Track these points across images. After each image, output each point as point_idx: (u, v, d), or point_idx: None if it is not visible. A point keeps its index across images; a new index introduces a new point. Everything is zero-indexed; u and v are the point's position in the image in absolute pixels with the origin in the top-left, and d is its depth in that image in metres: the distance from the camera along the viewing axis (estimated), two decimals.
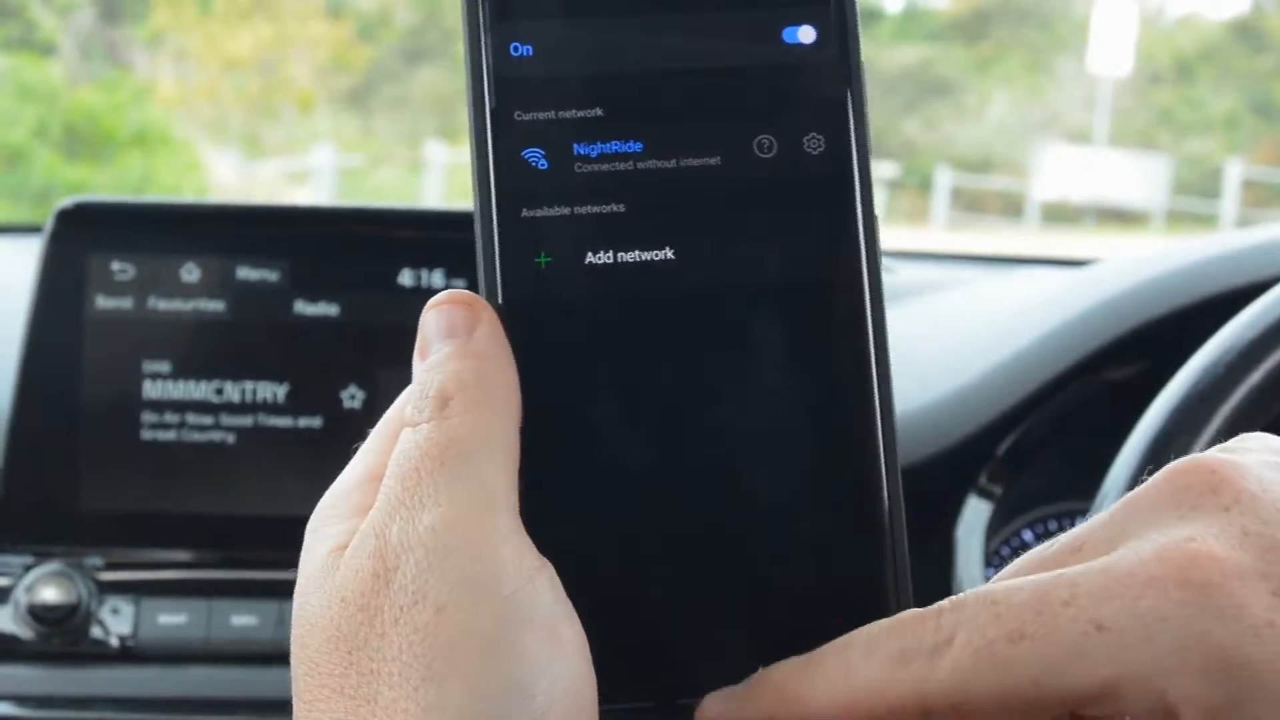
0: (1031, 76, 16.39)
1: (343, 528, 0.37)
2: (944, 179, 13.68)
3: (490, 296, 0.38)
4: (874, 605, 0.37)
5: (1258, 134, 15.32)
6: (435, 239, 0.93)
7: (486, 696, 0.33)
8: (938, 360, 1.02)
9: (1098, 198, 13.69)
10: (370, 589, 0.35)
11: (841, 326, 0.38)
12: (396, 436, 0.38)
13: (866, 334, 0.38)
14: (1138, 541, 0.33)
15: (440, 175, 10.84)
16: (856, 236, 0.38)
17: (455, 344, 0.38)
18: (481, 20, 0.39)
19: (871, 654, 0.34)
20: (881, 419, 0.38)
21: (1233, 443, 0.37)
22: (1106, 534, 0.35)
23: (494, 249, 0.38)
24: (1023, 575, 0.35)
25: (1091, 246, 8.73)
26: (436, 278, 0.92)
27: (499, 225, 0.38)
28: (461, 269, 0.92)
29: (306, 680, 0.36)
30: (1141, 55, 15.78)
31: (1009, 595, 0.33)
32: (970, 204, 14.43)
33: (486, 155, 0.38)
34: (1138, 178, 13.87)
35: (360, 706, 0.34)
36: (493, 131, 0.38)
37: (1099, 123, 15.14)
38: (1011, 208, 14.19)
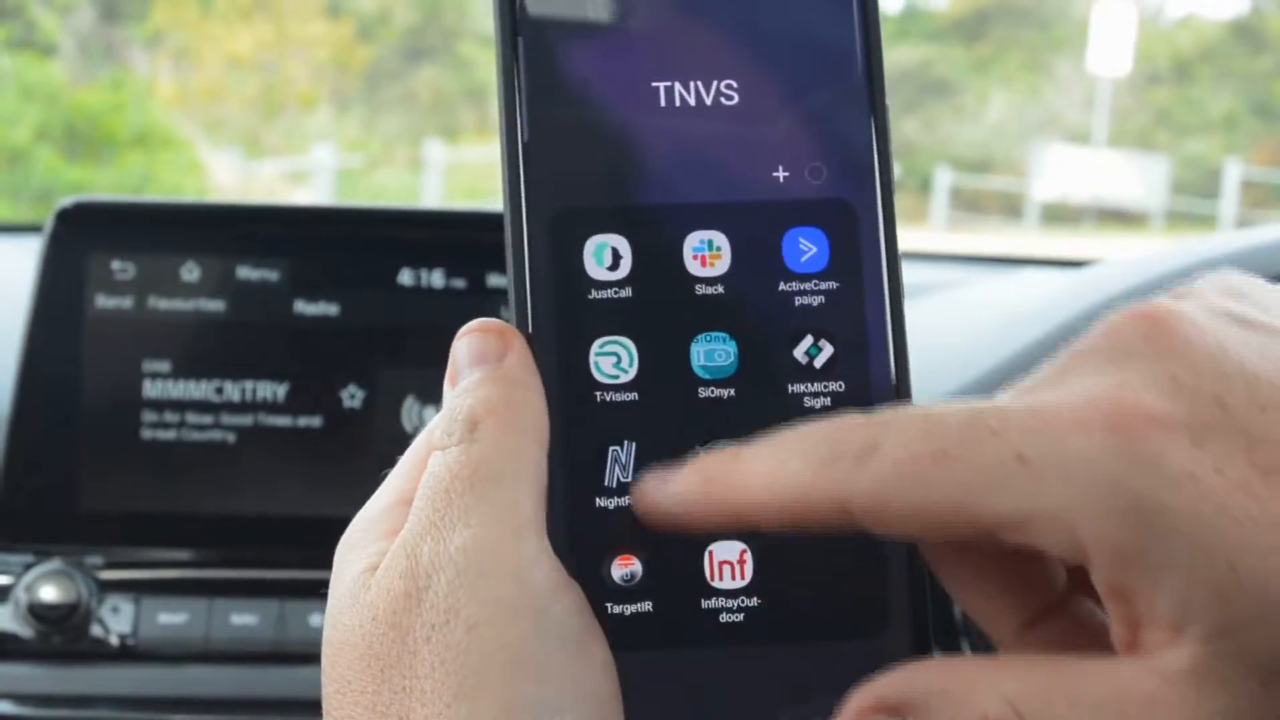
0: (1030, 77, 16.39)
1: (374, 549, 0.38)
2: (943, 179, 13.68)
3: (520, 325, 0.39)
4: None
5: (1257, 134, 15.32)
6: (435, 239, 0.93)
7: (517, 713, 0.34)
8: (937, 361, 1.02)
9: (1097, 198, 13.70)
10: (402, 608, 0.35)
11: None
12: (426, 461, 0.38)
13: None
14: (1074, 383, 0.33)
15: (440, 175, 10.84)
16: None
17: (485, 370, 0.38)
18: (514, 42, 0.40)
19: (802, 451, 0.34)
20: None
21: (1184, 285, 0.37)
22: (1046, 376, 0.35)
23: (525, 279, 0.39)
24: None
25: (1090, 247, 8.74)
26: (436, 277, 0.92)
27: (530, 254, 0.39)
28: (461, 269, 0.92)
29: (339, 698, 0.36)
30: (1140, 56, 15.79)
31: (942, 414, 0.33)
32: (969, 204, 14.44)
33: (519, 183, 0.39)
34: (1137, 178, 13.87)
35: None
36: (524, 154, 0.39)
37: (1098, 123, 15.15)
38: (1011, 208, 14.20)
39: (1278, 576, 0.30)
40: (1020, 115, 15.96)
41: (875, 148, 0.40)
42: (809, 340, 0.39)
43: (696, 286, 0.39)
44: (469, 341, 0.39)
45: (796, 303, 0.39)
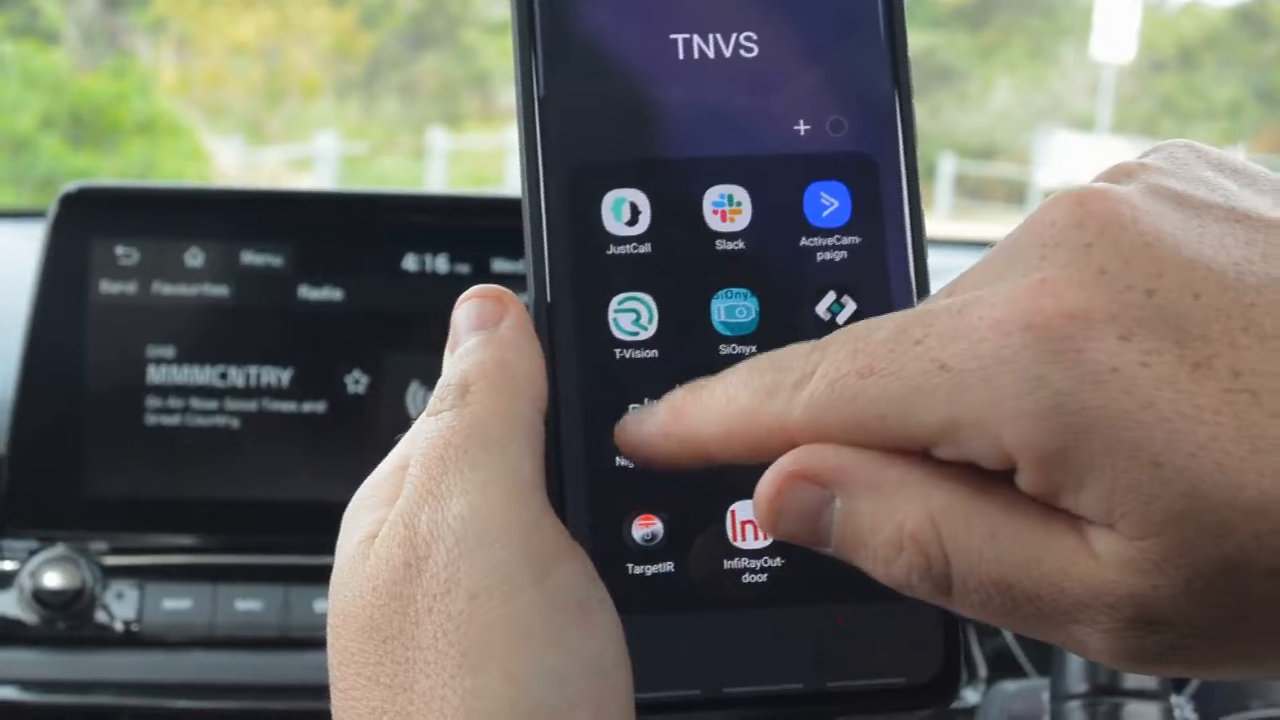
0: (1035, 63, 16.37)
1: (374, 516, 0.38)
2: (947, 166, 13.67)
3: (538, 283, 0.38)
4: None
5: (1261, 122, 15.30)
6: (439, 224, 0.93)
7: (522, 681, 0.33)
8: None
9: None
10: (402, 578, 0.35)
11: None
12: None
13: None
14: (997, 283, 0.32)
15: (443, 162, 10.83)
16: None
17: (481, 335, 0.38)
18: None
19: (748, 383, 0.34)
20: None
21: (1126, 163, 0.35)
22: (974, 277, 0.33)
23: (542, 236, 0.38)
24: None
25: None
26: (440, 262, 0.92)
27: (547, 211, 0.38)
28: (465, 253, 0.92)
29: (342, 670, 0.36)
30: (1145, 42, 15.76)
31: (870, 332, 0.33)
32: (974, 191, 14.43)
33: (536, 138, 0.38)
34: None
35: (398, 695, 0.34)
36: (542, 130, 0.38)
37: (1102, 110, 15.13)
38: (1015, 195, 14.18)
39: (1204, 476, 0.29)
40: (1024, 102, 15.94)
41: (897, 101, 0.39)
42: (831, 296, 0.39)
43: (717, 242, 0.39)
44: (467, 308, 0.39)
45: (818, 258, 0.39)
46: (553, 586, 0.34)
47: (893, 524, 0.32)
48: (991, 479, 0.32)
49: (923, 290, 0.39)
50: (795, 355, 0.34)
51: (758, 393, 0.34)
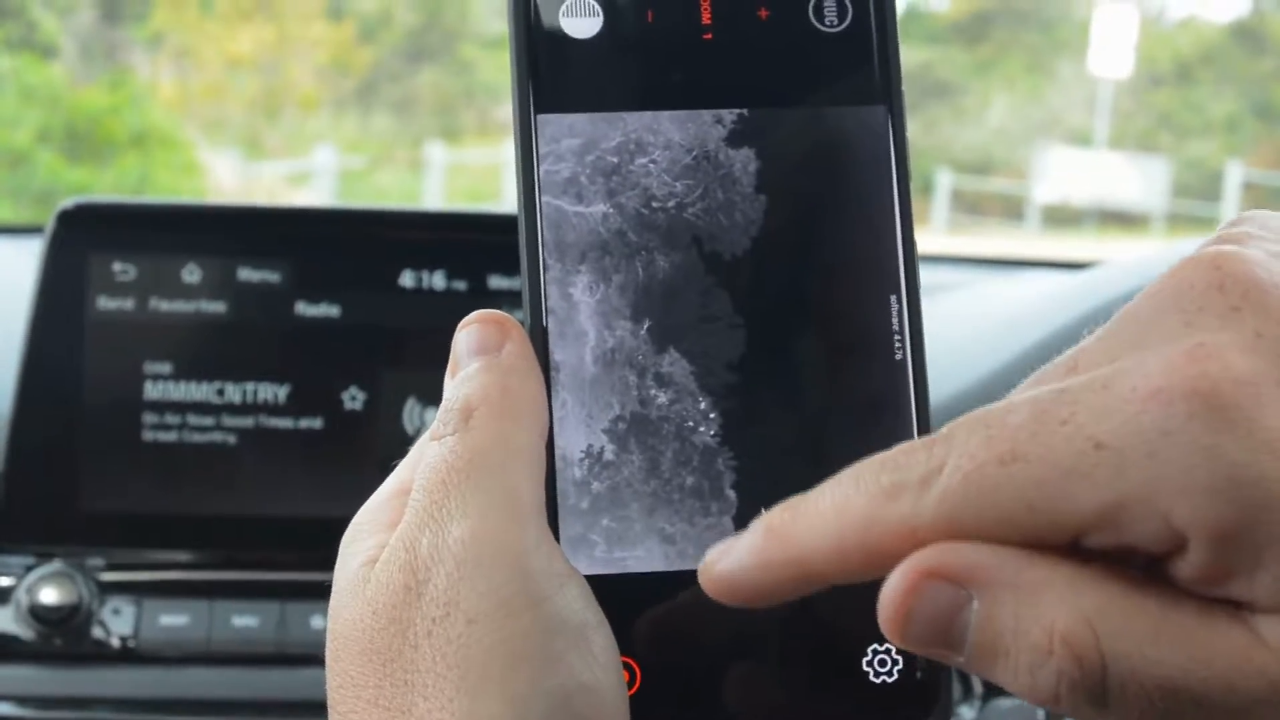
0: (1032, 79, 16.38)
1: (373, 541, 0.38)
2: (944, 181, 13.67)
3: (535, 313, 0.38)
4: None
5: (1258, 137, 15.31)
6: (436, 240, 0.93)
7: (520, 705, 0.34)
8: (938, 364, 1.02)
9: (1098, 200, 13.69)
10: (402, 601, 0.35)
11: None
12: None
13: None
14: (1141, 352, 0.30)
15: (441, 176, 10.83)
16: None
17: (482, 360, 0.38)
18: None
19: (861, 488, 0.31)
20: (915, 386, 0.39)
21: (1228, 229, 0.33)
22: (1106, 348, 0.31)
23: (539, 275, 0.38)
24: None
25: (1092, 249, 8.73)
26: (438, 279, 0.92)
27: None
28: (462, 270, 0.92)
29: (341, 693, 0.36)
30: (1142, 58, 15.78)
31: (1003, 416, 0.30)
32: (971, 206, 14.43)
33: (533, 156, 0.38)
34: (1138, 180, 13.87)
35: (396, 717, 0.34)
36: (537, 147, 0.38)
37: (1099, 125, 15.14)
38: (1012, 210, 14.19)
39: None
40: (1021, 117, 15.96)
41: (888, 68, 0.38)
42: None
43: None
44: (468, 333, 0.39)
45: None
46: (551, 610, 0.35)
47: (1040, 627, 0.29)
48: (1144, 572, 0.30)
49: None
50: (913, 451, 0.31)
51: (875, 497, 0.31)
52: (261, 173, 11.64)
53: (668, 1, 0.38)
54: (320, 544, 0.92)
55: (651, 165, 0.37)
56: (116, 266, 0.90)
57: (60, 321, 0.90)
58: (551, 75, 0.38)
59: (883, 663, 0.37)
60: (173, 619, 0.90)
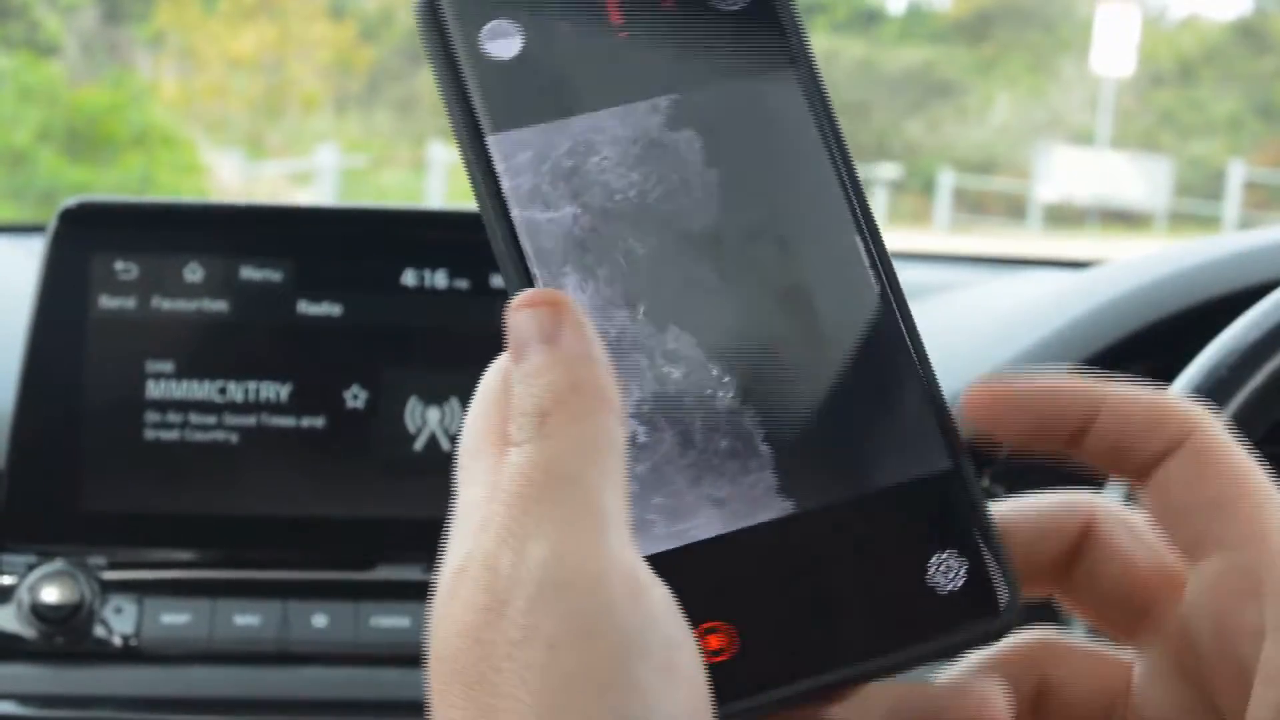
0: (1034, 78, 16.39)
1: (464, 548, 0.36)
2: (946, 180, 13.68)
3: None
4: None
5: (1260, 136, 15.31)
6: (439, 239, 0.93)
7: None
8: (939, 363, 1.02)
9: (1100, 199, 13.70)
10: (483, 622, 0.34)
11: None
12: (498, 449, 0.37)
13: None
14: None
15: (443, 174, 10.84)
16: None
17: (547, 351, 0.37)
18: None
19: None
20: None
21: None
22: None
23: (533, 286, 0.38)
24: None
25: (1094, 248, 8.73)
26: (440, 278, 0.92)
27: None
28: (464, 269, 0.92)
29: (437, 712, 0.35)
30: (1144, 57, 15.78)
31: None
32: (973, 205, 14.44)
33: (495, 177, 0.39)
34: (1140, 179, 13.87)
35: None
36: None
37: (1101, 124, 15.14)
38: (1014, 209, 14.19)
39: None
40: (1024, 116, 15.96)
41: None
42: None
43: None
44: (525, 319, 0.37)
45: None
46: (634, 633, 0.33)
47: None
48: None
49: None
50: None
51: None
52: (263, 172, 11.66)
53: (578, 9, 0.39)
54: (322, 543, 0.93)
55: (605, 161, 0.39)
56: (118, 265, 0.90)
57: (62, 320, 0.90)
58: (488, 99, 0.39)
59: (947, 570, 0.38)
60: (174, 618, 0.90)
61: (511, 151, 0.38)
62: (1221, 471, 0.37)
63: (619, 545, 0.35)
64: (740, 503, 0.38)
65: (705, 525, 0.37)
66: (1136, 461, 0.38)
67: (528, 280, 0.38)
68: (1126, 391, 0.38)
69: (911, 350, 0.40)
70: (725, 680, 0.36)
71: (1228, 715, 0.35)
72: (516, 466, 0.35)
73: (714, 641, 0.36)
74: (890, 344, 0.40)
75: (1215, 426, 0.37)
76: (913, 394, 0.40)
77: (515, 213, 0.38)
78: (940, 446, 0.39)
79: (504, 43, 0.39)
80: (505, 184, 0.38)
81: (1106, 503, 0.39)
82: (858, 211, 0.40)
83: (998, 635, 0.38)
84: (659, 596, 0.35)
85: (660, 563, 0.36)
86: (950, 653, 0.38)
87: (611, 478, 0.35)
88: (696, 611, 0.36)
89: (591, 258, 0.38)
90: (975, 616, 0.38)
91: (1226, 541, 0.36)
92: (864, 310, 0.40)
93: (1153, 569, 0.39)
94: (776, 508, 0.38)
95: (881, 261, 0.40)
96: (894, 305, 0.40)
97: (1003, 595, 0.38)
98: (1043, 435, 0.39)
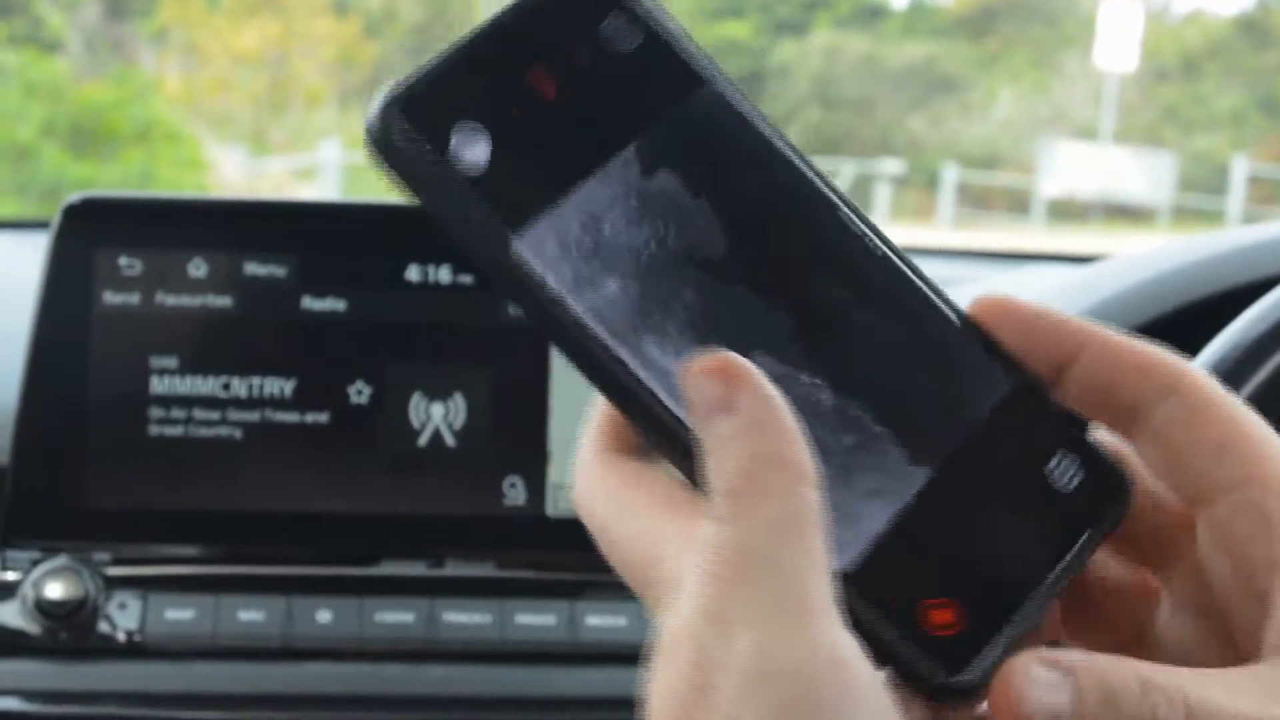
0: (1037, 73, 16.38)
1: (676, 618, 0.35)
2: (950, 175, 13.68)
3: (654, 402, 0.38)
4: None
5: (1264, 130, 15.31)
6: (442, 235, 0.93)
7: None
8: None
9: (1104, 194, 13.69)
10: (690, 700, 0.33)
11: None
12: (669, 502, 0.37)
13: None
14: None
15: None
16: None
17: (729, 424, 0.35)
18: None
19: None
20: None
21: None
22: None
23: (627, 364, 0.39)
24: None
25: (1097, 243, 8.73)
26: (444, 273, 0.92)
27: None
28: (468, 265, 0.92)
29: None
30: (1148, 52, 15.77)
31: None
32: (977, 200, 14.43)
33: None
34: (1144, 174, 13.86)
35: None
36: None
37: (1105, 119, 15.13)
38: (1018, 204, 14.18)
39: None
40: (1027, 111, 15.95)
41: None
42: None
43: None
44: (699, 388, 0.36)
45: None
46: (842, 718, 0.33)
47: None
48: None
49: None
50: None
51: None
52: (267, 168, 11.65)
53: (513, 97, 0.39)
54: (326, 538, 0.93)
55: (613, 225, 0.39)
56: (122, 261, 0.90)
57: (66, 316, 0.90)
58: (495, 205, 0.39)
59: (1065, 470, 0.40)
60: (179, 613, 0.90)
61: (539, 248, 0.38)
62: (1221, 415, 0.38)
63: (823, 630, 0.34)
64: (891, 484, 0.39)
65: (877, 517, 0.38)
66: (1126, 403, 0.39)
67: (619, 362, 0.38)
68: (1114, 335, 0.39)
69: (937, 299, 0.42)
70: (960, 648, 0.37)
71: (1245, 648, 0.36)
72: (713, 547, 0.34)
73: (938, 617, 0.37)
74: (919, 298, 0.42)
75: (1203, 374, 0.38)
76: (955, 335, 0.41)
77: (571, 303, 0.38)
78: (1000, 370, 0.41)
79: (472, 151, 0.39)
80: (550, 280, 0.38)
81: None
82: (828, 187, 0.41)
83: (1128, 506, 0.40)
84: (864, 675, 0.34)
85: (864, 568, 0.37)
86: (1098, 540, 0.40)
87: (812, 556, 0.34)
88: (913, 593, 0.37)
89: (656, 318, 0.38)
90: (1105, 498, 0.40)
91: (1233, 482, 0.37)
92: (886, 275, 0.41)
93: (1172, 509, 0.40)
94: (920, 475, 0.39)
95: (869, 224, 0.42)
96: (903, 263, 0.42)
97: (1115, 471, 0.40)
98: (1031, 358, 0.40)
